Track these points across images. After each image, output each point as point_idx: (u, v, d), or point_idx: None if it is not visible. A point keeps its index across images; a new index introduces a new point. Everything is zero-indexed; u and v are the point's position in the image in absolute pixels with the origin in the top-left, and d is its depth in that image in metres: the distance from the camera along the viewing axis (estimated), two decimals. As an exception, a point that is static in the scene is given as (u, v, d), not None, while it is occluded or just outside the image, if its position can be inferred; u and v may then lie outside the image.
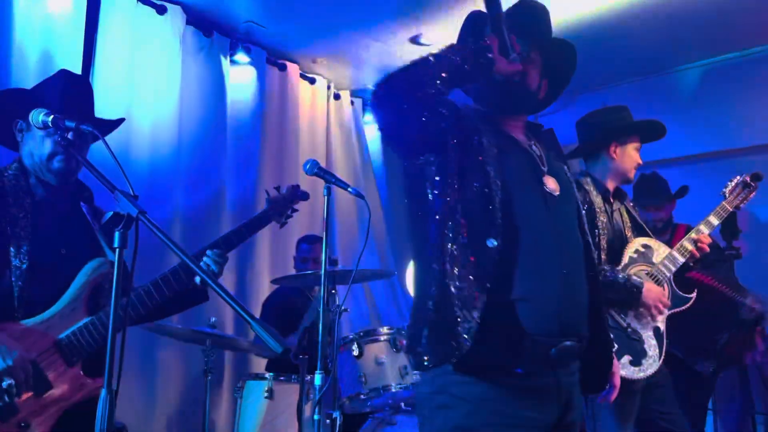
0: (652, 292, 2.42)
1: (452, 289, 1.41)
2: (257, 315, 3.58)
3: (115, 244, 1.25)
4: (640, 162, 2.66)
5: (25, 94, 1.86)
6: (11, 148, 1.88)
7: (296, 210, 2.40)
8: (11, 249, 1.66)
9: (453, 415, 1.42)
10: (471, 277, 1.41)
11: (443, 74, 1.44)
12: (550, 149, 1.74)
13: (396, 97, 1.46)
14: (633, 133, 2.64)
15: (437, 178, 1.51)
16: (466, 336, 1.37)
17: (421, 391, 1.53)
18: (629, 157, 2.62)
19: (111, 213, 1.25)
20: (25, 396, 1.58)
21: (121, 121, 2.10)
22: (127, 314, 1.69)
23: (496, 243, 1.42)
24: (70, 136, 1.61)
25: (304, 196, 2.38)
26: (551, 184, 1.59)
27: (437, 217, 1.49)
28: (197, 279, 1.90)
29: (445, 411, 1.43)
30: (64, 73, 1.93)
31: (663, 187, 3.57)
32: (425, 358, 1.45)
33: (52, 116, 1.62)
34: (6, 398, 1.52)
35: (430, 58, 1.46)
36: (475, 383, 1.41)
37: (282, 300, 3.60)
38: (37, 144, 1.76)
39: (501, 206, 1.46)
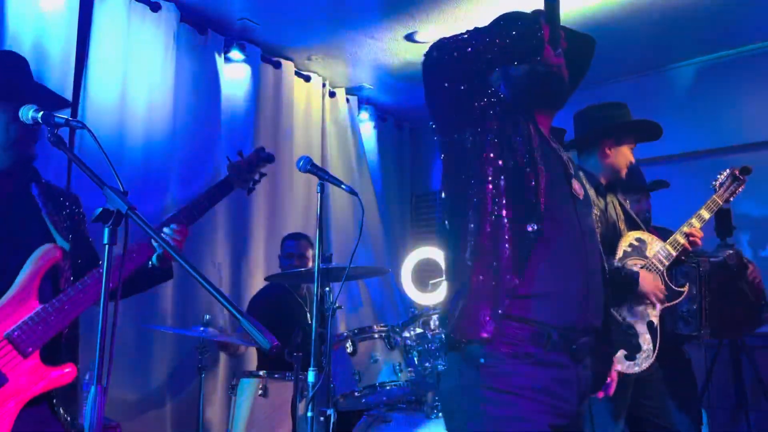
0: (647, 280, 2.43)
1: (483, 273, 1.43)
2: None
3: (105, 241, 1.24)
4: (632, 161, 2.65)
5: None
6: None
7: (264, 174, 2.20)
8: None
9: (491, 406, 1.42)
10: (502, 259, 1.43)
11: (494, 49, 1.45)
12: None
13: (443, 66, 1.45)
14: (629, 134, 2.63)
15: (472, 156, 1.51)
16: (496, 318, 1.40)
17: (450, 384, 1.51)
18: (622, 156, 2.62)
19: (100, 209, 1.24)
20: None
21: (68, 102, 2.01)
22: (82, 297, 1.65)
23: (536, 227, 1.44)
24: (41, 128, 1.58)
25: (270, 158, 2.17)
26: (577, 187, 1.63)
27: (474, 198, 1.48)
28: (154, 259, 1.83)
29: (483, 403, 1.42)
30: (4, 54, 1.88)
31: (641, 176, 3.53)
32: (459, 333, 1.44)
33: (41, 113, 1.59)
34: None
35: (483, 34, 1.46)
36: (510, 374, 1.42)
37: (267, 298, 3.58)
38: None
39: (542, 193, 1.47)
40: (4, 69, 1.77)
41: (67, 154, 1.49)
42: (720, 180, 2.77)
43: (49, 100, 1.85)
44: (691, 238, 2.58)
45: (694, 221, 2.63)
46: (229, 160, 2.12)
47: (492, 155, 1.48)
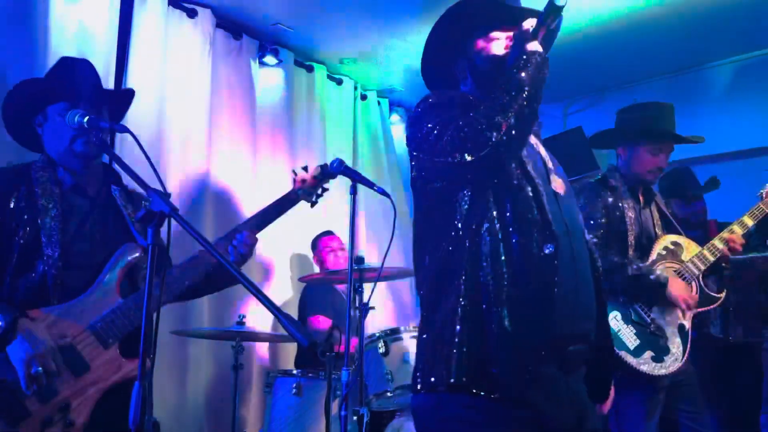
0: (676, 286, 2.39)
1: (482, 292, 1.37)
2: (297, 308, 3.65)
3: (148, 241, 1.29)
4: (658, 165, 2.56)
5: (34, 85, 1.88)
6: (35, 150, 1.91)
7: (326, 189, 2.32)
8: (42, 239, 1.70)
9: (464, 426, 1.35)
10: (501, 276, 1.37)
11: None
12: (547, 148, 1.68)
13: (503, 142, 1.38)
14: (639, 138, 2.56)
15: (469, 186, 1.46)
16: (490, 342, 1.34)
17: (421, 404, 1.44)
18: (639, 160, 2.56)
19: (144, 210, 1.29)
20: (61, 377, 1.63)
21: (130, 92, 2.12)
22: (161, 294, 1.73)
23: (552, 249, 1.37)
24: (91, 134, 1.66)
25: (332, 175, 2.30)
26: (557, 183, 1.55)
27: (472, 223, 1.42)
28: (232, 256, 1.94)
29: (456, 422, 1.36)
30: (65, 61, 1.95)
31: (689, 183, 3.48)
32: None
33: (87, 117, 1.67)
34: (35, 386, 1.56)
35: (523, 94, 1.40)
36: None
37: (320, 289, 3.63)
38: (57, 132, 1.80)
39: (544, 208, 1.42)
40: (65, 74, 1.86)
41: (112, 158, 1.55)
42: (767, 189, 2.71)
43: (112, 100, 1.98)
44: (731, 245, 2.53)
45: (736, 227, 2.58)
46: (294, 174, 2.25)
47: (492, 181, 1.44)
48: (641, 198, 2.60)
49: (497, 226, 1.40)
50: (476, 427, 1.34)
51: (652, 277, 2.37)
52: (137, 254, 1.81)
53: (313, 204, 2.30)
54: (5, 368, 1.59)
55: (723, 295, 2.54)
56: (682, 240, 2.56)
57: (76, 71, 1.87)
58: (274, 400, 2.95)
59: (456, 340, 1.35)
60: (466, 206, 1.44)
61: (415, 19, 3.92)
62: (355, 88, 4.83)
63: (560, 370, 1.39)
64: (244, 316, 2.99)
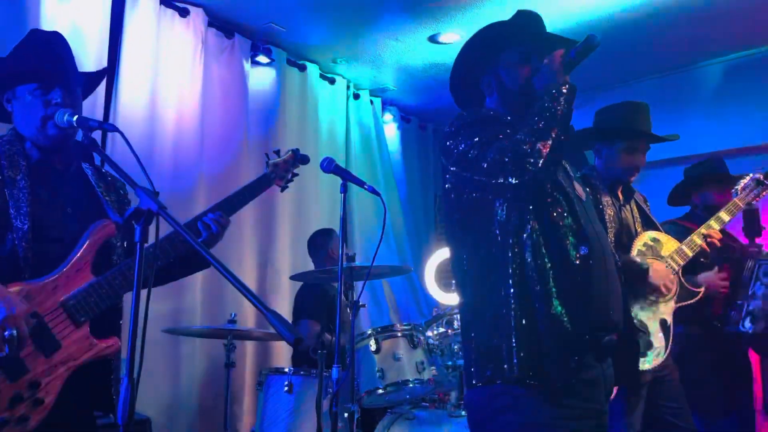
0: (658, 272, 2.42)
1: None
2: (291, 307, 3.66)
3: (136, 239, 1.30)
4: (634, 164, 2.55)
5: (2, 63, 1.82)
6: (3, 121, 1.86)
7: (296, 174, 2.36)
8: (11, 211, 1.66)
9: (518, 414, 1.50)
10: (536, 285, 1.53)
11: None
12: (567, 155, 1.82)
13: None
14: (615, 137, 2.56)
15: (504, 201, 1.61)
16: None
17: (477, 398, 1.60)
18: (615, 159, 2.55)
19: (133, 208, 1.30)
20: (31, 354, 1.60)
21: (104, 71, 2.10)
22: (132, 275, 1.67)
23: (587, 250, 1.55)
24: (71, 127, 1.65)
25: (304, 159, 2.34)
26: (579, 189, 1.70)
27: (511, 230, 1.58)
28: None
29: (510, 411, 1.51)
30: (36, 34, 1.89)
31: (723, 170, 3.40)
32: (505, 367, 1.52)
33: (76, 117, 1.67)
34: (7, 349, 1.52)
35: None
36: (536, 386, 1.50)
37: (316, 290, 3.62)
38: (28, 110, 1.75)
39: (576, 213, 1.60)
40: (35, 51, 1.81)
41: (101, 156, 1.56)
42: (742, 184, 2.76)
43: (88, 83, 1.93)
44: (708, 239, 2.57)
45: (713, 223, 2.63)
46: (267, 158, 2.27)
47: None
48: (620, 196, 2.63)
49: (537, 232, 1.55)
50: (530, 416, 1.49)
51: (633, 267, 2.40)
52: (110, 231, 1.77)
53: (283, 189, 2.33)
54: None
55: (701, 290, 2.57)
56: (661, 236, 2.59)
57: (47, 47, 1.82)
58: (266, 397, 2.97)
59: (509, 333, 1.51)
60: (504, 213, 1.59)
61: (407, 18, 3.93)
62: (348, 87, 4.84)
63: (595, 359, 1.57)
64: (235, 315, 3.01)
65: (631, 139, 2.56)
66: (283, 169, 2.27)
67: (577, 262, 1.53)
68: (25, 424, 1.58)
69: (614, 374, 1.66)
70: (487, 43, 1.76)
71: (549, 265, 1.53)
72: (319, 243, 3.77)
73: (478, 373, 1.57)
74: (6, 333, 1.51)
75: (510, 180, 1.52)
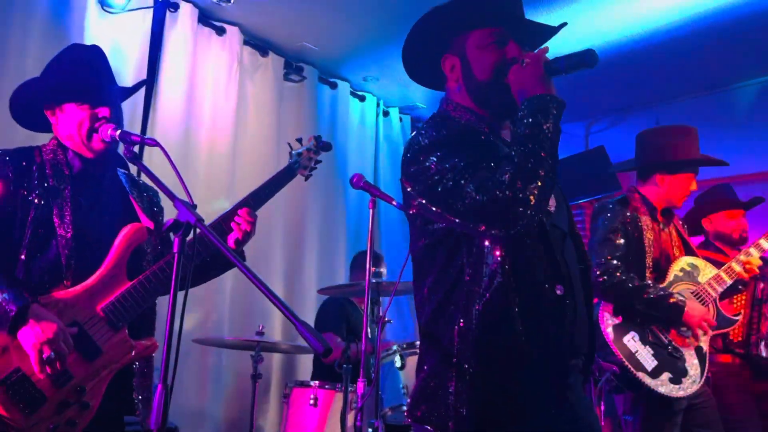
0: (695, 311, 2.39)
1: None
2: (314, 319, 3.69)
3: (174, 250, 1.34)
4: (694, 189, 2.61)
5: (47, 81, 1.89)
6: (45, 131, 1.92)
7: (319, 161, 2.32)
8: (55, 219, 1.73)
9: None
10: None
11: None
12: None
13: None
14: (681, 170, 2.59)
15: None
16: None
17: None
18: (677, 187, 2.58)
19: (171, 221, 1.34)
20: (74, 361, 1.65)
21: (142, 82, 2.18)
22: (166, 277, 1.75)
23: (563, 290, 1.36)
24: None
25: (327, 146, 2.30)
26: (551, 204, 1.46)
27: (481, 266, 1.37)
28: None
29: None
30: (75, 49, 1.96)
31: (732, 197, 3.41)
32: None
33: (119, 131, 1.74)
34: (48, 370, 1.58)
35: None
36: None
37: (338, 304, 3.66)
38: (74, 124, 1.80)
39: (551, 246, 1.38)
40: (78, 67, 1.87)
41: (142, 169, 1.61)
42: None
43: (124, 95, 2.00)
44: (747, 267, 2.53)
45: (752, 250, 2.59)
46: (290, 147, 2.25)
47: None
48: (660, 219, 2.61)
49: (508, 273, 1.34)
50: None
51: (670, 301, 2.37)
52: (141, 235, 1.82)
53: (306, 177, 2.30)
54: (18, 356, 1.61)
55: (740, 318, 2.53)
56: (698, 262, 2.56)
57: (89, 62, 1.88)
58: (291, 410, 2.99)
59: (451, 377, 1.34)
60: (474, 250, 1.38)
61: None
62: (378, 105, 4.91)
63: (560, 387, 1.39)
64: (263, 326, 3.05)
65: (696, 168, 2.58)
66: (306, 158, 2.24)
67: (552, 301, 1.35)
68: (74, 427, 1.65)
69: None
70: (455, 17, 1.49)
71: (517, 304, 1.33)
72: (363, 264, 3.81)
73: (410, 410, 1.41)
74: (45, 356, 1.57)
75: (491, 231, 1.31)
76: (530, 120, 1.31)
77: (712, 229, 3.18)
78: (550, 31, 1.52)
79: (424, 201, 1.40)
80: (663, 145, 2.63)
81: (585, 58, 1.34)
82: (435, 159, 1.37)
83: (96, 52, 1.94)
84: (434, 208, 1.38)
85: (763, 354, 2.82)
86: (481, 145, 1.42)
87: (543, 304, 1.36)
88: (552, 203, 1.45)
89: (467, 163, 1.33)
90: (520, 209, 1.26)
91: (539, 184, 1.26)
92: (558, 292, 1.36)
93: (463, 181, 1.31)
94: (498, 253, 1.36)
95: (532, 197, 1.26)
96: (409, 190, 1.46)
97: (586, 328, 1.46)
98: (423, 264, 1.49)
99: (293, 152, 2.23)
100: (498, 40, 1.46)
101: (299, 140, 2.27)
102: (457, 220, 1.35)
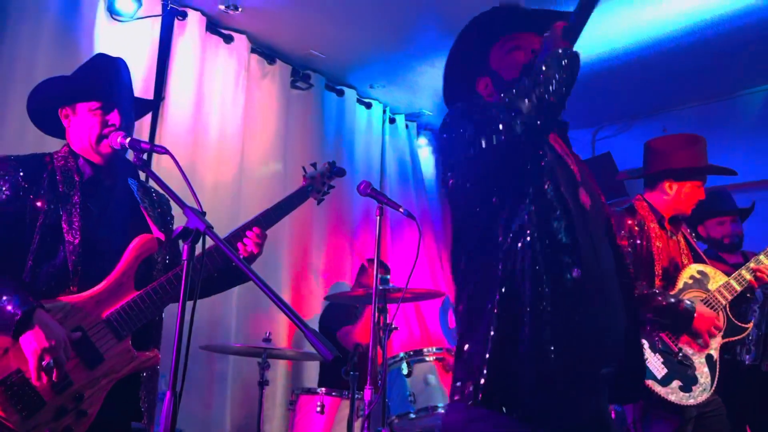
0: (704, 317, 2.37)
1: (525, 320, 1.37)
2: (315, 326, 3.69)
3: (184, 257, 1.34)
4: (701, 198, 2.59)
5: (66, 81, 1.92)
6: (59, 137, 1.94)
7: (332, 186, 2.35)
8: (64, 225, 1.74)
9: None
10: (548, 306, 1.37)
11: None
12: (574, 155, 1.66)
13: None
14: (690, 178, 2.58)
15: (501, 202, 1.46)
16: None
17: (459, 422, 1.45)
18: (686, 195, 2.57)
19: (181, 228, 1.35)
20: (75, 368, 1.65)
21: (157, 100, 2.17)
22: (173, 288, 1.76)
23: (579, 273, 1.38)
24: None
25: (341, 172, 2.33)
26: (584, 197, 1.53)
27: (508, 239, 1.42)
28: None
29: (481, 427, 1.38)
30: (100, 58, 2.00)
31: (725, 202, 3.43)
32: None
33: (129, 138, 1.75)
34: (44, 378, 1.58)
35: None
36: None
37: (339, 310, 3.66)
38: (85, 127, 1.82)
39: (573, 230, 1.41)
40: (99, 73, 1.90)
41: (151, 176, 1.62)
42: None
43: (141, 108, 2.03)
44: (758, 274, 2.52)
45: (763, 258, 2.57)
46: (304, 170, 2.27)
47: (517, 196, 1.44)
48: (668, 227, 2.60)
49: (536, 247, 1.39)
50: None
51: (679, 309, 2.36)
52: (152, 246, 1.83)
53: (319, 201, 2.32)
54: (20, 358, 1.61)
55: (750, 325, 2.51)
56: (708, 269, 2.55)
57: (111, 71, 1.91)
58: (297, 417, 2.98)
59: (487, 356, 1.37)
60: (503, 220, 1.44)
61: (444, 44, 3.98)
62: (384, 112, 4.92)
63: (589, 390, 1.41)
64: (270, 333, 3.04)
65: (702, 176, 2.57)
66: (319, 182, 2.27)
67: (569, 285, 1.38)
68: None
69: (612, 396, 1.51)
70: (473, 44, 1.62)
71: (539, 285, 1.37)
72: (370, 271, 3.83)
73: (453, 391, 1.45)
74: (44, 363, 1.57)
75: (492, 141, 1.40)
76: (538, 66, 1.40)
77: (706, 236, 3.20)
78: (559, 13, 1.56)
79: (452, 159, 1.53)
80: (670, 153, 2.62)
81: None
82: (463, 121, 1.50)
83: (119, 63, 1.96)
84: (460, 158, 1.49)
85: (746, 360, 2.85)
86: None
87: (562, 286, 1.37)
88: (587, 201, 1.51)
89: (492, 115, 1.43)
90: (518, 120, 1.37)
91: (534, 99, 1.37)
92: (574, 274, 1.38)
93: (487, 125, 1.42)
94: (526, 228, 1.41)
95: (526, 109, 1.37)
96: (443, 157, 1.60)
97: (621, 336, 1.48)
98: (459, 240, 1.56)
99: (306, 175, 2.26)
100: (515, 43, 1.57)
101: (314, 165, 2.31)
102: (473, 151, 1.43)
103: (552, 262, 1.39)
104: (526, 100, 1.37)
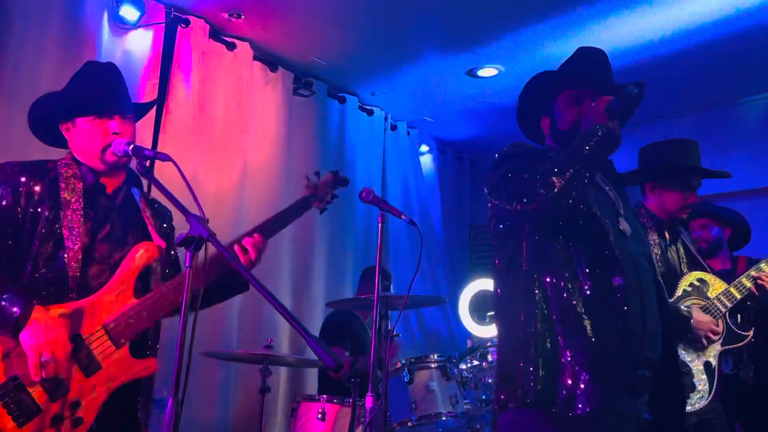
0: (701, 323, 2.38)
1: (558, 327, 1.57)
2: (317, 333, 3.69)
3: (186, 264, 1.35)
4: (690, 202, 2.56)
5: (61, 97, 1.92)
6: (61, 146, 1.94)
7: (336, 196, 2.32)
8: (64, 231, 1.74)
9: None
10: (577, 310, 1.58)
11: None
12: (620, 191, 1.87)
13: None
14: (670, 179, 2.56)
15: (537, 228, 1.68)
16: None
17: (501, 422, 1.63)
18: (671, 197, 2.55)
19: (183, 235, 1.35)
20: (72, 375, 1.65)
21: (154, 101, 2.19)
22: (173, 297, 1.76)
23: (621, 281, 1.58)
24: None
25: (344, 181, 2.31)
26: (624, 225, 1.73)
27: (542, 261, 1.65)
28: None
29: None
30: (91, 66, 1.99)
31: (708, 206, 3.41)
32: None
33: (132, 146, 1.76)
34: (43, 373, 1.58)
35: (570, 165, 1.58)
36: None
37: (342, 318, 3.65)
38: (87, 139, 1.83)
39: (611, 245, 1.62)
40: (92, 83, 1.90)
41: (155, 184, 1.63)
42: None
43: (139, 112, 2.03)
44: (759, 282, 2.51)
45: (764, 266, 2.56)
46: (307, 180, 2.25)
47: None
48: (667, 235, 2.60)
49: (572, 261, 1.61)
50: None
51: (677, 314, 2.36)
52: (152, 254, 1.83)
53: (322, 211, 2.29)
54: (17, 364, 1.61)
55: (750, 333, 2.50)
56: (707, 277, 2.54)
57: (103, 79, 1.91)
58: (298, 424, 2.98)
59: (527, 357, 1.55)
60: (534, 245, 1.66)
61: (446, 53, 4.01)
62: (386, 119, 4.93)
63: (628, 393, 1.57)
64: (272, 340, 3.04)
65: (686, 177, 2.55)
66: (322, 191, 2.24)
67: (610, 293, 1.56)
68: None
69: (656, 419, 1.66)
70: (543, 87, 1.84)
71: (580, 295, 1.57)
72: (372, 277, 3.82)
73: (496, 395, 1.63)
74: (43, 358, 1.57)
75: (521, 207, 1.59)
76: (578, 140, 1.59)
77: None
78: (622, 86, 1.69)
79: (490, 198, 1.75)
80: (655, 157, 2.63)
81: (626, 94, 1.59)
82: (504, 165, 1.74)
83: (110, 69, 1.96)
84: (494, 200, 1.72)
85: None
86: (541, 156, 1.73)
87: (603, 292, 1.56)
88: (627, 229, 1.73)
89: (526, 166, 1.66)
90: (543, 191, 1.56)
91: (565, 177, 1.54)
92: (615, 282, 1.57)
93: (514, 176, 1.65)
94: (563, 248, 1.64)
95: (557, 183, 1.54)
96: (485, 191, 1.78)
97: (658, 341, 1.65)
98: (496, 266, 1.81)
99: (309, 184, 2.24)
100: (576, 100, 1.79)
101: (317, 173, 2.29)
102: (506, 206, 1.65)
103: (594, 273, 1.58)
104: (560, 177, 1.55)
